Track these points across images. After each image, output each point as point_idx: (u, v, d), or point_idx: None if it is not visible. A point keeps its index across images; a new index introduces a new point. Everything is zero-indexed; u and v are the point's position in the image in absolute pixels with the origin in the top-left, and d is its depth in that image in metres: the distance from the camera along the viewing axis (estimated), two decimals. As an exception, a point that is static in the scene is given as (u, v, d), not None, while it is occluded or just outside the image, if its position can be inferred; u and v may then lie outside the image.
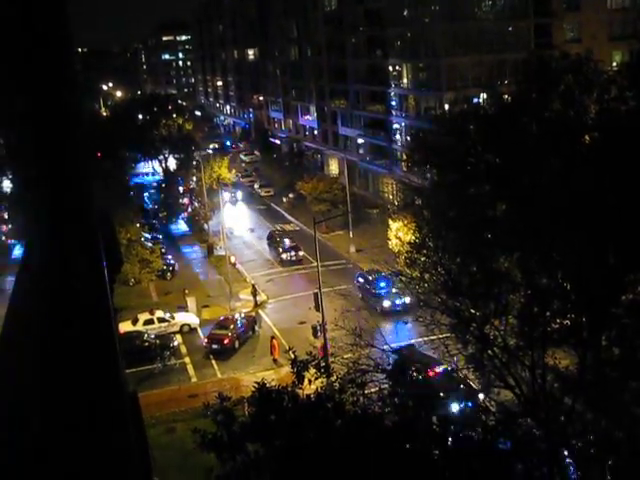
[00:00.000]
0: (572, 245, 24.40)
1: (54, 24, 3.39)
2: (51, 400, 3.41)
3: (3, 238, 72.99)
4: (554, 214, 24.74)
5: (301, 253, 69.11)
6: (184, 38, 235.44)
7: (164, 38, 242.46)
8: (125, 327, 50.47)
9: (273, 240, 74.29)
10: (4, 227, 73.76)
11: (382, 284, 54.16)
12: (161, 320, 54.19)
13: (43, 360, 3.43)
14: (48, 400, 3.41)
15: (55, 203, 3.53)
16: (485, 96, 65.16)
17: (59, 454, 3.38)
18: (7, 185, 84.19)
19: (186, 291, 59.99)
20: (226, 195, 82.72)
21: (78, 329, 3.48)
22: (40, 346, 3.46)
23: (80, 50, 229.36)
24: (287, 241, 71.23)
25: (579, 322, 24.44)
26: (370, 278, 57.46)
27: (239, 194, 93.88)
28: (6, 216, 73.99)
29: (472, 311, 24.98)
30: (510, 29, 78.35)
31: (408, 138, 79.49)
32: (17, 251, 72.54)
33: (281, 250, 70.24)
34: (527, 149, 28.11)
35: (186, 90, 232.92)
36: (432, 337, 27.38)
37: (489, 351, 24.55)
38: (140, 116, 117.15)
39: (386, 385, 20.94)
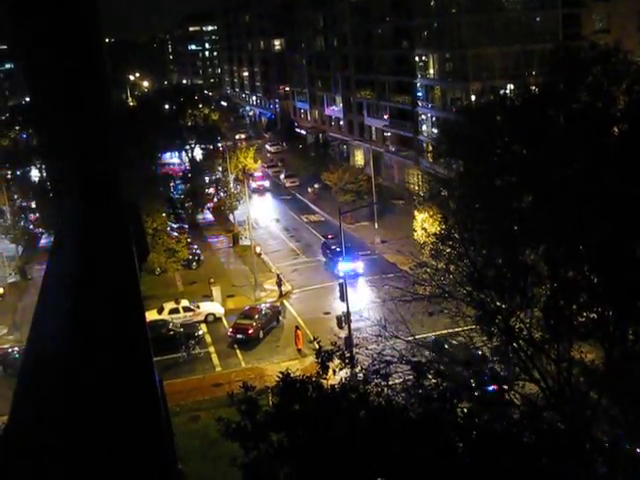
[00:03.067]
0: (599, 238, 24.20)
1: (85, 14, 3.42)
2: (83, 386, 3.43)
3: (31, 227, 73.68)
4: (581, 206, 24.55)
5: None
6: (210, 29, 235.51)
7: (191, 28, 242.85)
8: (151, 316, 50.77)
9: None
10: (32, 216, 74.46)
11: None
12: (186, 309, 54.52)
13: (76, 349, 3.45)
14: (80, 386, 3.43)
15: (85, 193, 3.56)
16: (512, 87, 64.75)
17: (92, 439, 3.40)
18: (35, 174, 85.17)
19: (211, 280, 60.28)
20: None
21: (111, 318, 3.51)
22: (72, 335, 3.48)
23: (107, 41, 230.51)
24: None
25: (606, 316, 24.25)
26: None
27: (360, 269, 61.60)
28: (33, 205, 74.75)
29: (498, 303, 24.87)
30: (538, 19, 77.64)
31: (434, 129, 79.19)
32: (44, 240, 73.36)
33: None
34: (554, 140, 27.91)
35: (212, 80, 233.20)
36: (457, 329, 27.28)
37: (514, 344, 24.44)
38: (167, 106, 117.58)
39: (410, 376, 20.91)
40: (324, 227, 76.60)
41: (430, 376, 21.01)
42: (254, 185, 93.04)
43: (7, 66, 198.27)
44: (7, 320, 55.47)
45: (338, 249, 60.21)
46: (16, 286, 62.45)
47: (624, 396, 23.52)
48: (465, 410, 18.63)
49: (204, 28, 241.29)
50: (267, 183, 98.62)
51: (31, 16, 3.33)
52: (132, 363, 3.49)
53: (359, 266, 60.57)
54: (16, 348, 48.84)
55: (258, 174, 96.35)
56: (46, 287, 3.57)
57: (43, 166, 75.62)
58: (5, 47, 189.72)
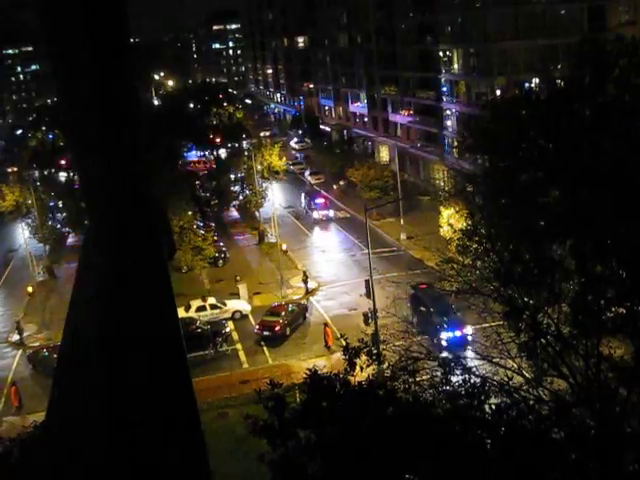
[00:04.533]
0: (627, 231, 23.98)
1: (113, 18, 3.46)
2: (119, 383, 3.47)
3: (59, 227, 74.32)
4: (608, 200, 24.34)
5: None
6: (234, 27, 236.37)
7: (215, 27, 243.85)
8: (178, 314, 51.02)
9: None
10: (59, 216, 75.10)
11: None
12: (213, 307, 54.77)
13: (110, 347, 3.49)
14: (115, 384, 3.47)
15: (115, 193, 3.60)
16: (537, 81, 64.29)
17: (128, 435, 3.44)
18: (62, 174, 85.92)
19: (238, 278, 60.46)
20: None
21: (143, 316, 3.55)
22: (106, 332, 3.52)
23: (132, 40, 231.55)
24: None
25: (635, 310, 24.03)
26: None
27: None
28: (61, 205, 75.36)
29: (525, 299, 24.73)
30: (563, 12, 76.98)
31: (459, 124, 78.84)
32: (71, 239, 73.98)
33: None
34: (581, 135, 27.68)
35: (236, 79, 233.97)
36: (484, 325, 27.17)
37: (542, 339, 24.29)
38: (191, 105, 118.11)
39: (438, 373, 20.86)
40: (350, 224, 76.54)
41: (458, 372, 20.95)
42: (316, 215, 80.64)
43: (33, 67, 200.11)
44: (36, 319, 56.05)
45: (435, 303, 45.41)
46: (44, 285, 63.07)
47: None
48: (493, 406, 18.56)
49: (228, 26, 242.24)
50: (332, 212, 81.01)
51: (62, 19, 3.38)
52: (166, 360, 3.54)
53: (466, 331, 41.97)
54: (45, 347, 49.35)
55: (320, 200, 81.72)
56: (79, 286, 3.62)
57: (71, 166, 76.37)
58: (31, 49, 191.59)
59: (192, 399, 3.75)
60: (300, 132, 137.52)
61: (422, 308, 46.79)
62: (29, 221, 69.84)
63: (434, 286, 42.14)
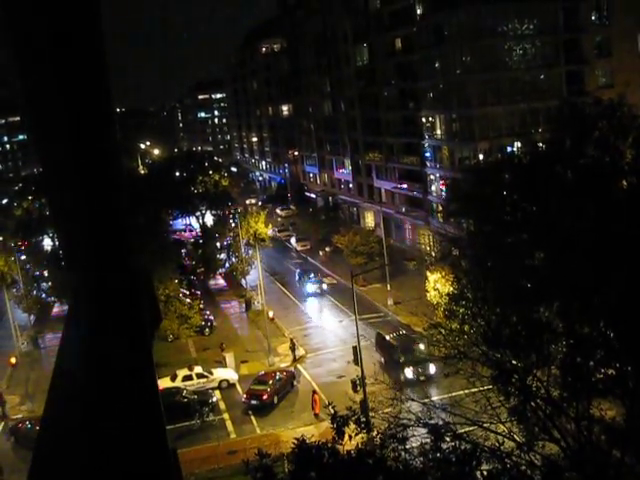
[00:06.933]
0: (613, 292, 24.03)
1: (96, 87, 3.45)
2: (97, 457, 3.39)
3: (43, 296, 73.82)
4: (593, 261, 24.44)
5: None
6: (219, 96, 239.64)
7: (200, 96, 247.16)
8: (164, 383, 50.46)
9: None
10: (44, 285, 74.65)
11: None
12: (200, 376, 54.20)
13: (89, 416, 3.42)
14: (94, 456, 3.39)
15: (97, 262, 3.56)
16: (519, 145, 65.18)
17: None
18: (47, 243, 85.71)
19: (223, 346, 59.99)
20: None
21: (124, 388, 3.49)
22: (87, 404, 3.45)
23: (118, 110, 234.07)
24: None
25: (624, 371, 23.92)
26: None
27: None
28: (46, 274, 74.97)
29: (513, 362, 24.58)
30: (542, 77, 78.57)
31: (443, 189, 79.56)
32: (56, 309, 73.42)
33: None
34: (563, 196, 27.95)
35: (222, 147, 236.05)
36: (473, 390, 26.91)
37: (532, 403, 24.08)
38: (177, 173, 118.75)
39: (428, 440, 20.57)
40: (337, 290, 76.40)
41: (448, 439, 20.67)
42: None
43: (20, 137, 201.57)
44: (19, 390, 55.22)
45: None
46: (28, 355, 62.35)
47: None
48: (485, 473, 18.28)
49: (213, 96, 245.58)
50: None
51: (42, 87, 3.37)
52: (144, 434, 3.46)
53: None
54: (28, 420, 48.50)
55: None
56: (62, 357, 3.56)
57: (55, 235, 76.19)
58: (18, 119, 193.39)
59: (171, 474, 3.65)
60: (285, 199, 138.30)
61: None
62: (14, 290, 69.34)
63: None
